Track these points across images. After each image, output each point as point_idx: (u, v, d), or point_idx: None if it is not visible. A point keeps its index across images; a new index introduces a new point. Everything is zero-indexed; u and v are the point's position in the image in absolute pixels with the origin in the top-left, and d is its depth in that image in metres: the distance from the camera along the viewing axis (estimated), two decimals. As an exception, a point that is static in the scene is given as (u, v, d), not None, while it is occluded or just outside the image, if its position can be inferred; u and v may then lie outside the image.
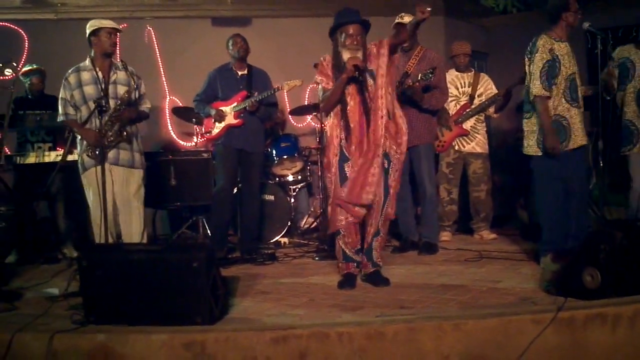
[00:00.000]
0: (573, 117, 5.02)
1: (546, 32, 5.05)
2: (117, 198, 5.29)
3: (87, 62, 5.32)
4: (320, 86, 4.89)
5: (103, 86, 5.19)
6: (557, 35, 5.04)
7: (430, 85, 5.90)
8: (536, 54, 4.99)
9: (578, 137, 5.02)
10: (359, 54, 4.67)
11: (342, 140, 4.75)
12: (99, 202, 4.89)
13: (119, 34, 5.40)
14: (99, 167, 4.89)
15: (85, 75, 5.26)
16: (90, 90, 5.21)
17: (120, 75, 5.32)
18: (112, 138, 5.16)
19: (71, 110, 5.28)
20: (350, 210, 4.72)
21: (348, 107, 4.73)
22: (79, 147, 5.30)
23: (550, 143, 4.94)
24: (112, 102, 5.21)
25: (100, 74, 5.26)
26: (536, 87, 4.97)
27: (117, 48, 5.51)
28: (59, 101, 5.34)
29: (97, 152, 5.08)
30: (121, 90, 5.27)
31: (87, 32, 5.29)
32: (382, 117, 4.69)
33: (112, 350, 3.55)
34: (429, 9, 4.45)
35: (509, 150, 7.94)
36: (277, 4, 8.89)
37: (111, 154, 5.21)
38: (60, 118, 5.35)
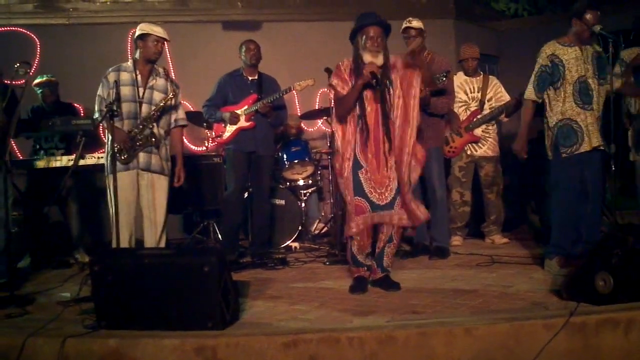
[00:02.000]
0: (585, 120, 5.01)
1: (558, 37, 5.10)
2: (142, 203, 5.31)
3: (130, 63, 5.36)
4: (334, 91, 4.85)
5: (140, 89, 5.24)
6: (568, 40, 5.08)
7: (442, 89, 5.89)
8: (537, 59, 5.12)
9: (593, 139, 5.00)
10: (380, 57, 4.66)
11: (357, 147, 4.72)
12: (116, 206, 4.90)
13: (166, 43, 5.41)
14: (124, 173, 5.00)
15: (124, 76, 5.27)
16: (126, 91, 5.21)
17: (160, 82, 5.35)
18: (140, 142, 5.18)
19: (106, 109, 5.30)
20: (370, 222, 4.72)
21: (365, 113, 4.70)
22: (106, 148, 5.28)
23: (516, 147, 5.32)
24: (145, 107, 5.25)
25: (139, 77, 5.30)
26: (528, 90, 5.23)
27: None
28: (96, 98, 5.34)
29: (124, 157, 5.11)
30: (157, 96, 5.30)
31: (136, 34, 5.33)
32: (411, 137, 4.73)
33: (124, 355, 3.56)
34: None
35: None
36: (287, 8, 8.91)
37: (143, 158, 5.23)
38: (95, 114, 5.35)
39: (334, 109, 4.92)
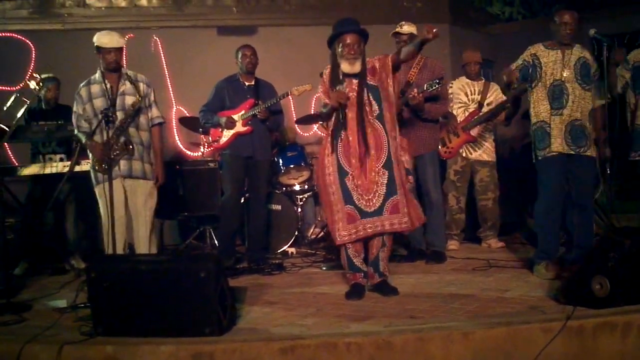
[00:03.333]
0: (553, 123, 5.03)
1: (545, 41, 5.16)
2: (130, 209, 5.33)
3: (98, 75, 5.39)
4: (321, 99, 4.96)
5: (111, 98, 5.22)
6: (551, 44, 5.13)
7: (435, 95, 5.89)
8: (522, 55, 5.22)
9: (556, 144, 5.01)
10: (357, 64, 4.69)
11: (340, 153, 4.74)
12: (107, 214, 4.92)
13: (126, 46, 5.41)
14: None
15: (95, 88, 5.31)
16: (99, 103, 5.27)
17: (129, 85, 5.34)
18: (117, 151, 5.19)
19: (84, 124, 5.33)
20: (361, 229, 4.72)
21: (347, 119, 4.74)
22: (90, 160, 5.33)
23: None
24: (119, 114, 5.25)
25: (109, 85, 5.31)
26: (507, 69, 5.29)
27: (123, 61, 5.53)
28: (73, 115, 5.41)
29: (104, 166, 5.11)
30: (129, 101, 5.30)
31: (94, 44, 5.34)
32: (395, 137, 4.81)
33: (121, 362, 3.56)
34: (436, 30, 4.44)
35: (516, 157, 7.93)
36: (282, 13, 8.92)
37: (123, 165, 5.26)
38: (75, 131, 5.40)
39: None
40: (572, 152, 5.02)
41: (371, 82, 4.77)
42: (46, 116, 6.59)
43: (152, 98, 5.54)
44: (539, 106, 5.11)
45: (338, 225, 4.70)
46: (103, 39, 5.30)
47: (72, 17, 8.39)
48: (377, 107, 4.75)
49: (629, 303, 3.74)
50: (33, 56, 8.08)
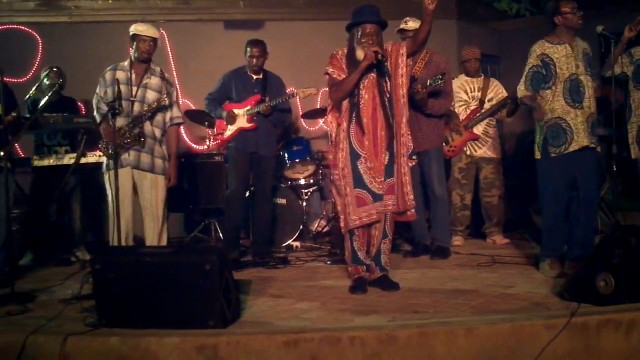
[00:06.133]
0: (575, 119, 4.95)
1: (545, 37, 5.08)
2: (141, 201, 5.38)
3: (127, 62, 5.46)
4: (329, 78, 4.87)
5: (134, 88, 5.27)
6: (556, 39, 5.03)
7: (439, 90, 5.88)
8: (528, 59, 5.07)
9: (580, 138, 4.93)
10: None
11: (352, 136, 4.74)
12: (113, 203, 4.93)
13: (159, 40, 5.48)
14: (118, 170, 4.97)
15: (120, 75, 5.35)
16: (121, 90, 5.26)
17: (154, 80, 5.41)
18: (129, 140, 5.21)
19: (103, 107, 5.36)
20: (374, 212, 4.72)
21: (362, 101, 4.73)
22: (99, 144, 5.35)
23: (538, 117, 5.02)
24: (137, 105, 5.32)
25: (134, 75, 5.37)
26: (519, 90, 5.13)
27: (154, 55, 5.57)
28: (94, 96, 5.45)
29: (110, 152, 5.13)
30: (150, 95, 5.37)
31: (129, 33, 5.42)
32: (403, 115, 4.78)
33: (125, 353, 3.56)
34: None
35: (522, 154, 7.90)
36: (289, 7, 8.89)
37: (132, 156, 5.29)
38: (94, 112, 5.46)
39: (329, 95, 4.92)
40: (593, 145, 4.98)
41: (386, 64, 4.76)
42: (50, 108, 6.56)
43: (173, 98, 5.59)
44: (553, 103, 4.97)
45: (349, 209, 4.72)
46: (140, 27, 5.41)
47: (79, 9, 8.38)
48: (390, 88, 4.76)
49: (633, 300, 3.74)
50: (40, 49, 8.08)
